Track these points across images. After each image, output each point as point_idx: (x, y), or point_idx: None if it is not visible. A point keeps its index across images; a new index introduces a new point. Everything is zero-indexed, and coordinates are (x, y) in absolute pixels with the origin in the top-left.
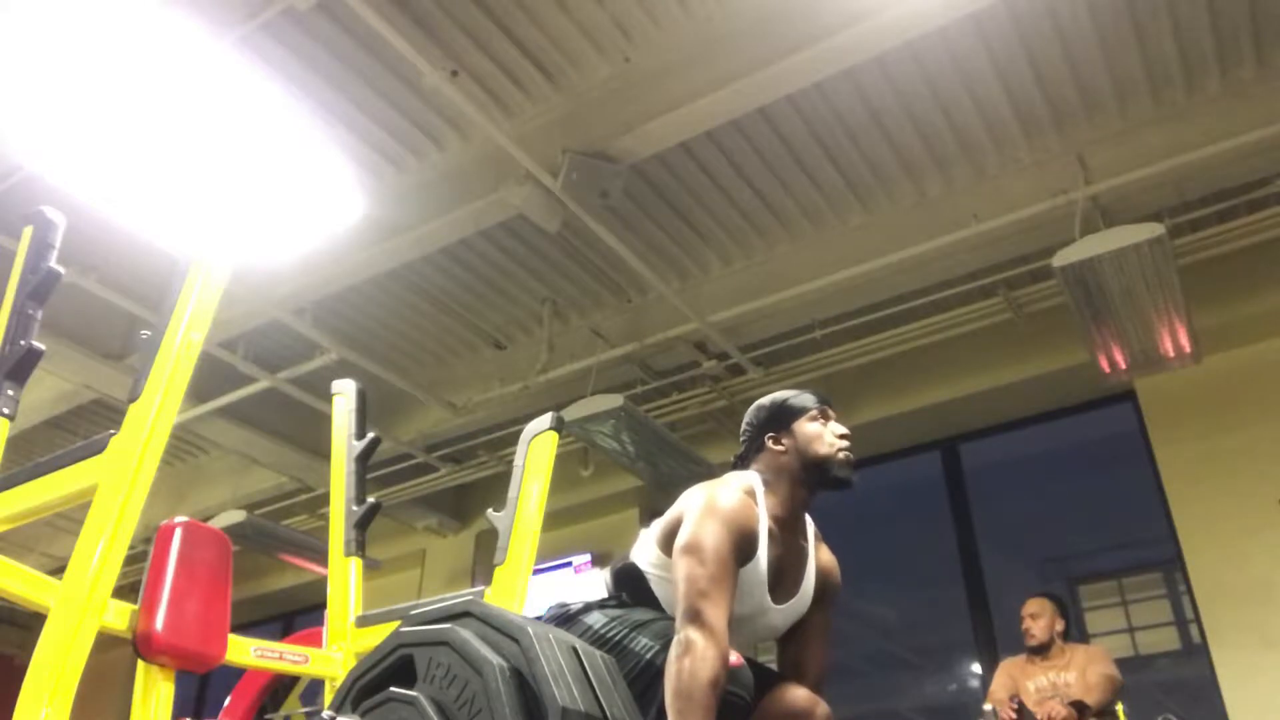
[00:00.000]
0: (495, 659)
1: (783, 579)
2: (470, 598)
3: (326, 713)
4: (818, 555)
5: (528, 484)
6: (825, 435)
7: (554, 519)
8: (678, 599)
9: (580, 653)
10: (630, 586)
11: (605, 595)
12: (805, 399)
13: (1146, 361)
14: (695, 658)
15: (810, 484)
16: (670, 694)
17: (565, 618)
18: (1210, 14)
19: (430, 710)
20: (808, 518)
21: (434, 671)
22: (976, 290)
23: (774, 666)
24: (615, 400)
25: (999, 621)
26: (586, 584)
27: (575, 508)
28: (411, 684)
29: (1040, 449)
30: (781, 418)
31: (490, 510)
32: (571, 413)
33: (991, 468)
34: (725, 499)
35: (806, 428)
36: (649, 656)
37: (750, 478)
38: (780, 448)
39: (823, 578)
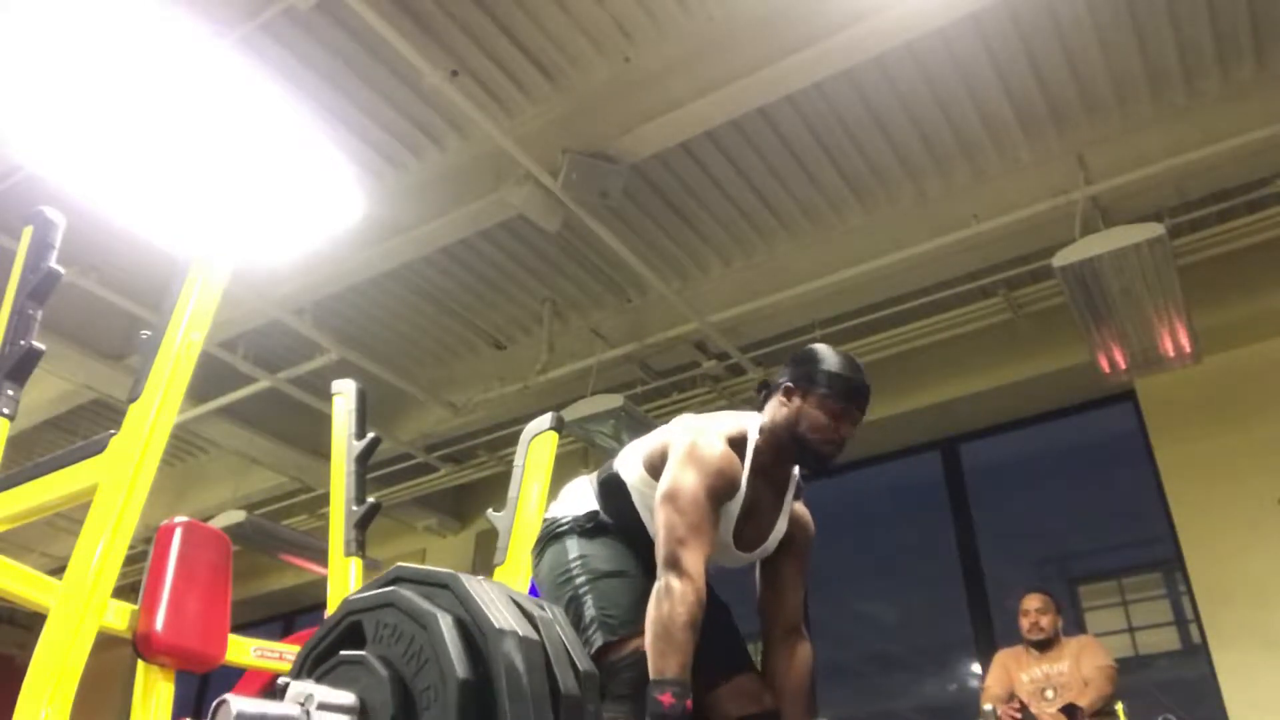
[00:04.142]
0: (435, 609)
1: (749, 526)
2: (398, 565)
3: (283, 679)
4: (792, 510)
5: (528, 484)
6: (826, 430)
7: None
8: (658, 545)
9: (513, 595)
10: (614, 501)
11: (591, 510)
12: (838, 384)
13: (1146, 361)
14: (674, 601)
15: (791, 449)
16: (651, 636)
17: (549, 536)
18: (1210, 14)
19: (378, 665)
20: (795, 471)
21: (381, 632)
22: (976, 290)
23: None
24: (615, 400)
25: (999, 621)
26: (579, 490)
27: None
28: (361, 647)
29: (1040, 449)
30: (808, 380)
31: (490, 510)
32: (571, 413)
33: (991, 468)
34: (707, 448)
35: (815, 410)
36: (590, 614)
37: (747, 422)
38: (788, 404)
39: (791, 529)
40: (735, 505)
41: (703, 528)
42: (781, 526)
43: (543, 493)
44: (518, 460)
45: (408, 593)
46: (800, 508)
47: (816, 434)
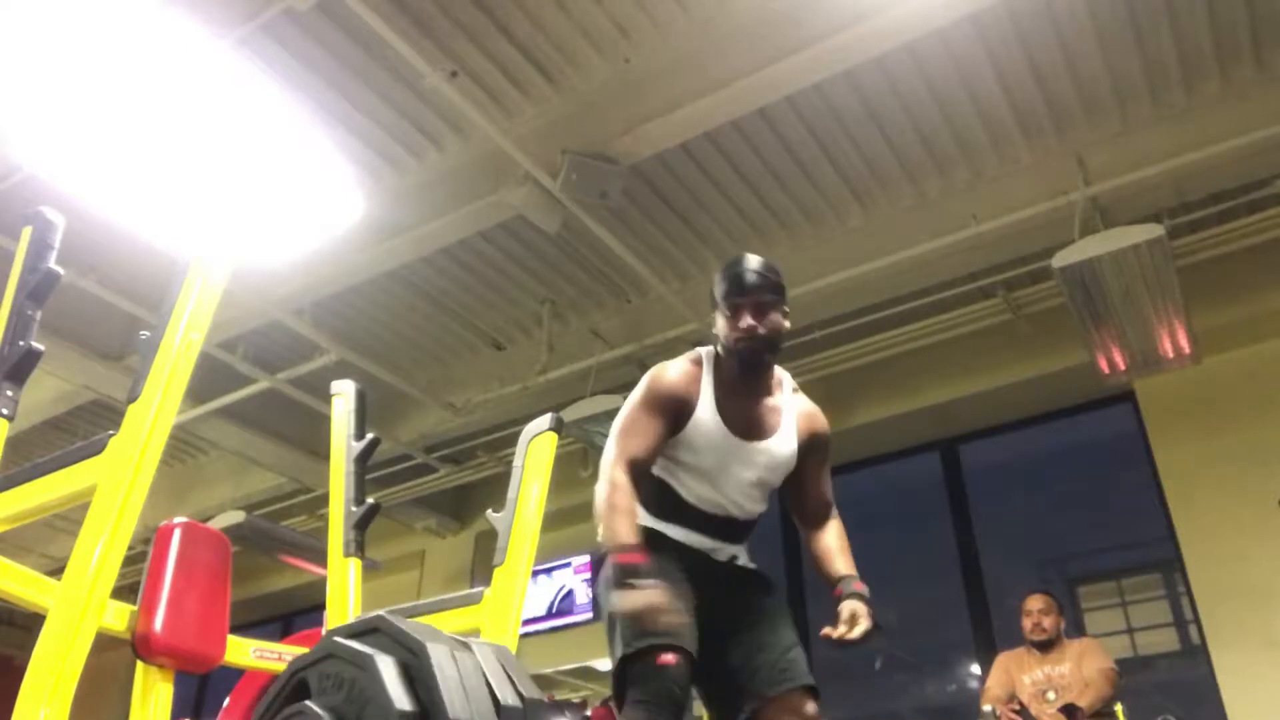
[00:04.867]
0: (372, 650)
1: (752, 423)
2: (379, 613)
3: None
4: (796, 402)
5: (527, 485)
6: (736, 329)
7: (553, 520)
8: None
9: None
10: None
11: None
12: (729, 283)
13: (1146, 362)
14: (609, 481)
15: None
16: (597, 515)
17: None
18: (1209, 15)
19: (322, 712)
20: (779, 371)
21: (324, 684)
22: (976, 291)
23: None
24: (615, 401)
25: (998, 621)
26: None
27: (574, 508)
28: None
29: (1040, 449)
30: (713, 294)
31: (490, 511)
32: (571, 413)
33: (991, 468)
34: (651, 375)
35: (724, 316)
36: None
37: (704, 349)
38: (715, 323)
39: (806, 423)
40: (703, 405)
41: (632, 430)
42: (790, 419)
43: (542, 493)
44: (517, 461)
45: (345, 640)
46: (806, 403)
47: (732, 336)
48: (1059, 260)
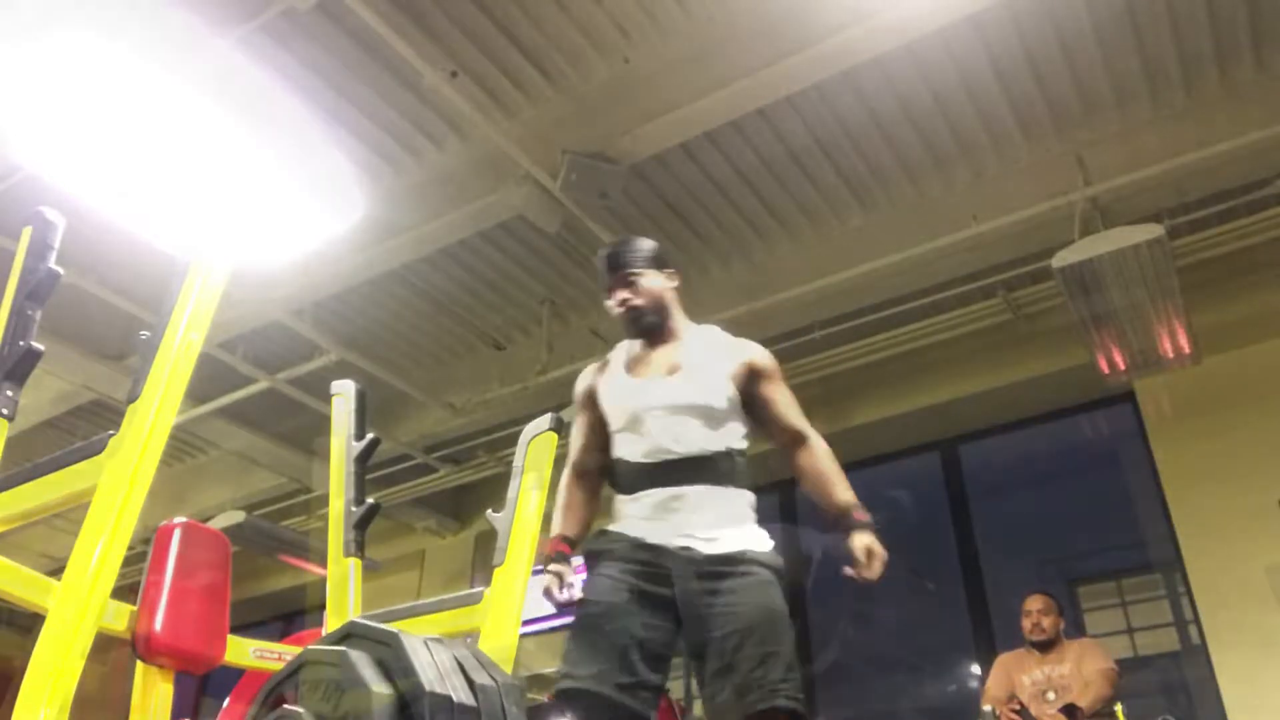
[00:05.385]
0: (342, 648)
1: (653, 367)
2: (351, 619)
3: None
4: (715, 342)
5: (527, 485)
6: (613, 307)
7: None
8: None
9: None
10: None
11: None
12: (599, 270)
13: (1146, 362)
14: (560, 485)
15: (633, 330)
16: None
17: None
18: (1209, 15)
19: (301, 710)
20: (697, 326)
21: (302, 690)
22: (976, 291)
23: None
24: None
25: (998, 621)
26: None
27: None
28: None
29: (1040, 449)
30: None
31: (490, 511)
32: (571, 413)
33: (991, 468)
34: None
35: (605, 299)
36: None
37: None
38: None
39: (729, 354)
40: (609, 378)
41: (571, 438)
42: (702, 356)
43: (542, 494)
44: (517, 461)
45: (319, 648)
46: (736, 341)
47: (615, 313)
48: (1059, 260)
